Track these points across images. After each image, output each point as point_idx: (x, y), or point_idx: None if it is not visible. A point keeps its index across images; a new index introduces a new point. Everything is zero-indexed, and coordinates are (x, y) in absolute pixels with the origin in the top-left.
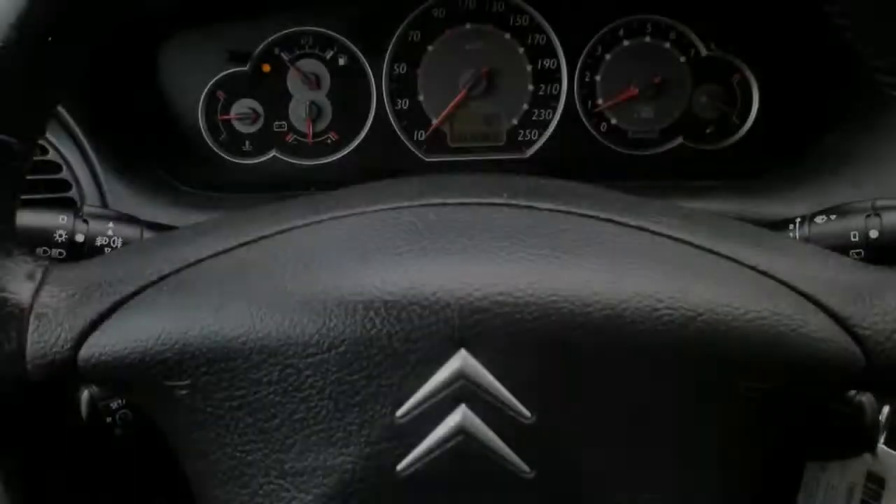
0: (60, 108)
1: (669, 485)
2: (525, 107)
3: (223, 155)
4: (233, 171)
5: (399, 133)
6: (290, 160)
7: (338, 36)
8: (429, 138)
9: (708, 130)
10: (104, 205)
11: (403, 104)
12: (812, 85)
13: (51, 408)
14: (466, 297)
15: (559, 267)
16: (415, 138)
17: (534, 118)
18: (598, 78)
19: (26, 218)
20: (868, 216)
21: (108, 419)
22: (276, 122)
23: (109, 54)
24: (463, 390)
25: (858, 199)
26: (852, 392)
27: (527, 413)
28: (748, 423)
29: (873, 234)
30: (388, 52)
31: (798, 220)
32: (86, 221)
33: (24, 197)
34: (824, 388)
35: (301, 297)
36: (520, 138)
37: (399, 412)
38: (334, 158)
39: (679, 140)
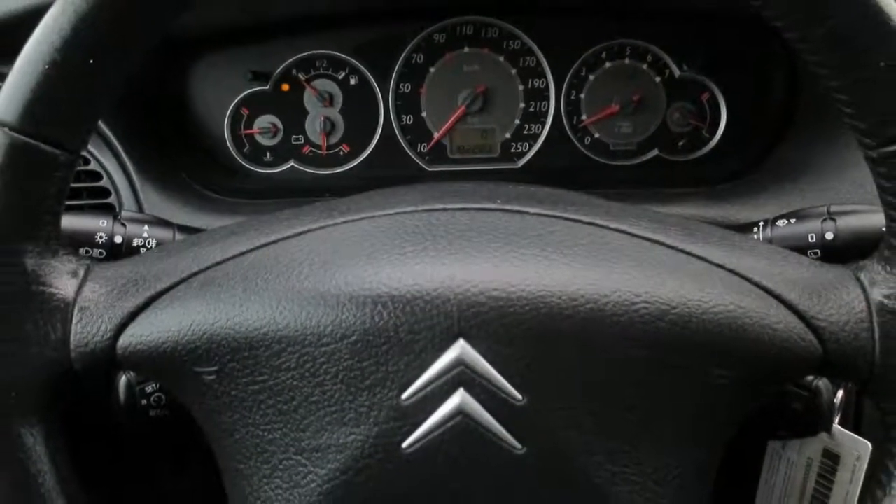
0: (101, 123)
1: (645, 460)
2: (517, 122)
3: (246, 165)
4: (255, 180)
5: (404, 145)
6: (306, 170)
7: (349, 59)
8: (431, 150)
9: (681, 143)
10: (140, 210)
11: (408, 119)
12: (773, 103)
13: (92, 392)
14: (465, 293)
15: (548, 266)
16: (418, 150)
17: (525, 132)
18: (582, 96)
19: (70, 222)
20: (824, 220)
21: (144, 402)
22: (294, 136)
23: (145, 74)
24: (461, 376)
25: (815, 204)
26: (810, 377)
27: (518, 396)
28: (718, 405)
29: (829, 236)
30: (394, 73)
31: (761, 223)
32: (124, 225)
33: (68, 203)
34: (785, 374)
35: (316, 292)
36: (512, 150)
37: (404, 395)
38: (346, 168)
39: (655, 152)
